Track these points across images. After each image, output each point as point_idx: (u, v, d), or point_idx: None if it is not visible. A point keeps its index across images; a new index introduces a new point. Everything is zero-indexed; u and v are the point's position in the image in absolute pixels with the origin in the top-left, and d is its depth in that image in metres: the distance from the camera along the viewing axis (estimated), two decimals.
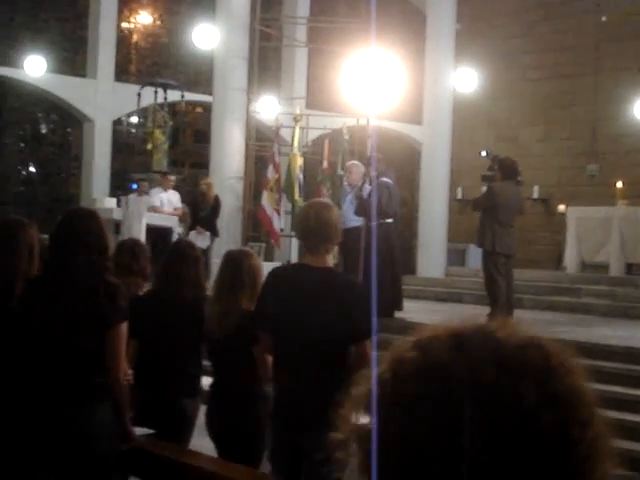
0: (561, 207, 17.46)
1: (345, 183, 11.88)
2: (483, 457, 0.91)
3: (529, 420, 0.92)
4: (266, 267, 5.24)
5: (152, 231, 13.49)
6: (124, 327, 4.24)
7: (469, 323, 1.02)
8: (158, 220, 14.06)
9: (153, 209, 14.49)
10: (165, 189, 15.14)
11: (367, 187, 10.85)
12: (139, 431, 4.87)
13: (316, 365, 4.19)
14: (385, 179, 10.66)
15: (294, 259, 14.91)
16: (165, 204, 14.89)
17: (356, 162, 11.93)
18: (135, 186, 14.94)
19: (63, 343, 4.15)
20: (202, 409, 5.28)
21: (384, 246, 10.26)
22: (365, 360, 4.27)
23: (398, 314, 10.74)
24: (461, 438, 0.90)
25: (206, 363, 5.34)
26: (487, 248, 9.96)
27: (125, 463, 4.38)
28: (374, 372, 0.99)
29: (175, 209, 15.02)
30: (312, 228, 4.33)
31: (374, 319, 4.48)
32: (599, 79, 17.56)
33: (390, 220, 10.60)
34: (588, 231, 14.62)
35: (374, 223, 10.25)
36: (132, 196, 14.13)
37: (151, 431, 4.91)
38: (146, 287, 5.67)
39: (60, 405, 4.13)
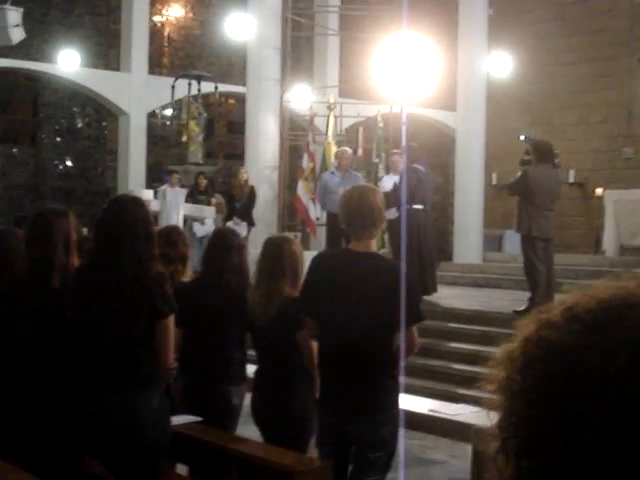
0: (598, 191, 17.30)
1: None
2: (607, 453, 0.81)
3: None
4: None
5: None
6: (172, 318, 4.23)
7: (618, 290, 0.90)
8: (195, 211, 14.09)
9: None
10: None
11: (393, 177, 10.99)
12: (185, 419, 4.90)
13: (362, 350, 4.14)
14: (416, 166, 10.66)
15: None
16: None
17: (345, 148, 13.12)
18: (166, 178, 14.88)
19: (112, 332, 4.09)
20: (247, 396, 5.29)
21: (412, 232, 10.23)
22: (412, 344, 4.26)
23: (437, 300, 10.74)
24: (584, 431, 0.81)
25: (251, 352, 5.34)
26: (523, 232, 9.83)
27: (172, 450, 4.37)
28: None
29: None
30: (355, 212, 4.24)
31: (419, 304, 4.48)
32: (633, 61, 17.38)
33: (419, 206, 10.57)
34: (626, 214, 14.47)
35: (403, 209, 10.26)
36: (166, 188, 14.13)
37: (197, 418, 4.94)
38: (188, 273, 5.66)
39: (110, 394, 4.10)
